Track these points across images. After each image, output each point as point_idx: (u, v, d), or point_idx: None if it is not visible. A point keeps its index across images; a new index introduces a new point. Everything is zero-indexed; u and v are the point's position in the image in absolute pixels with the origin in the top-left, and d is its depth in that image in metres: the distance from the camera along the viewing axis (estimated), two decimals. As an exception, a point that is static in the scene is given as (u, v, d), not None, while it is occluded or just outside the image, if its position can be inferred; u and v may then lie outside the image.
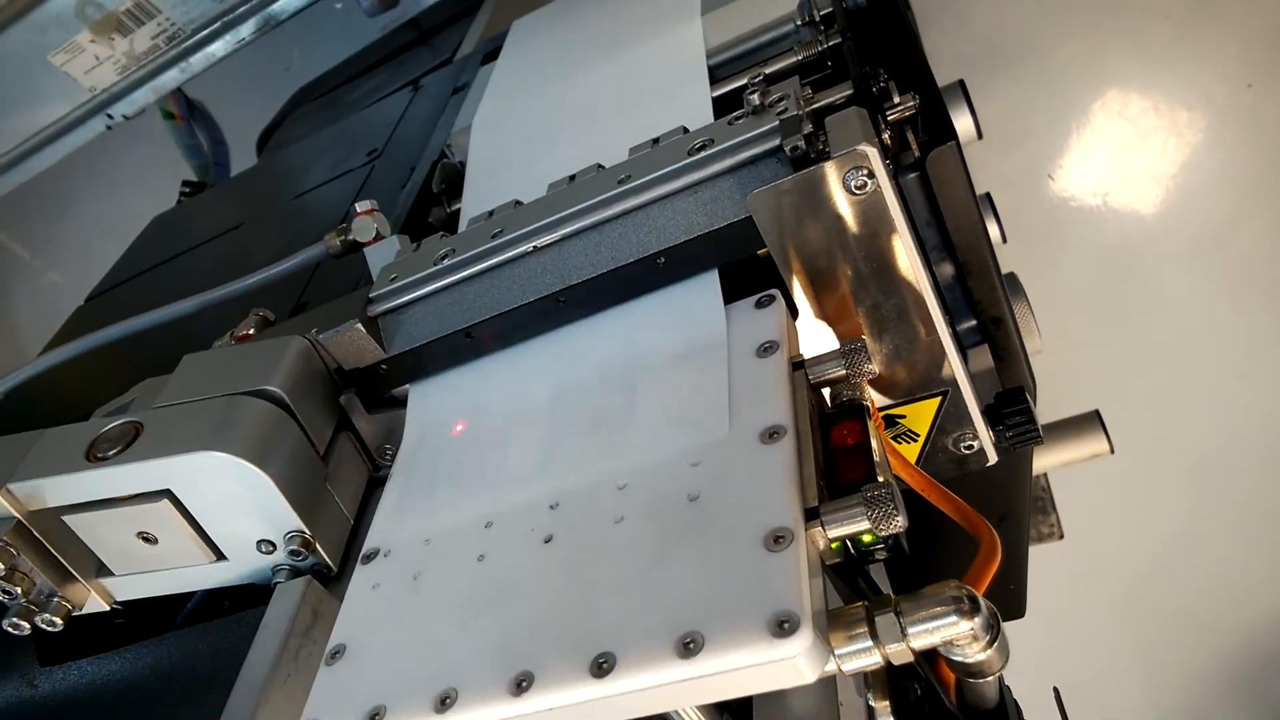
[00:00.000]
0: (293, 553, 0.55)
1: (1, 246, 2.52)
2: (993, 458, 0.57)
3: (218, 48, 1.37)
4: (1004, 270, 0.60)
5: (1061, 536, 1.17)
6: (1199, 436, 1.61)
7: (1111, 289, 1.60)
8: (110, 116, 1.47)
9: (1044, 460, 0.92)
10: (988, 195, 0.89)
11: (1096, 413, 0.92)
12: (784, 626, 0.35)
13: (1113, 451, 0.90)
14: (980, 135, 0.81)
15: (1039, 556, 0.95)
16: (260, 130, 1.59)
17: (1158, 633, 1.74)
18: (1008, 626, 0.70)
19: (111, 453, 0.53)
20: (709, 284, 0.52)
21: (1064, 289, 1.60)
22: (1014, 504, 0.72)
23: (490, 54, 0.98)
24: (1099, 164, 1.57)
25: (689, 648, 0.36)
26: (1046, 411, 0.70)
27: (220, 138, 1.60)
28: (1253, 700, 1.71)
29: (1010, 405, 0.57)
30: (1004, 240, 0.87)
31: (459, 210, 0.77)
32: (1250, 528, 1.63)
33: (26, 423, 0.62)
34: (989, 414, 0.57)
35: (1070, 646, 1.72)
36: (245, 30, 1.37)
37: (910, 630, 0.37)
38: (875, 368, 0.47)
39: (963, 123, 0.78)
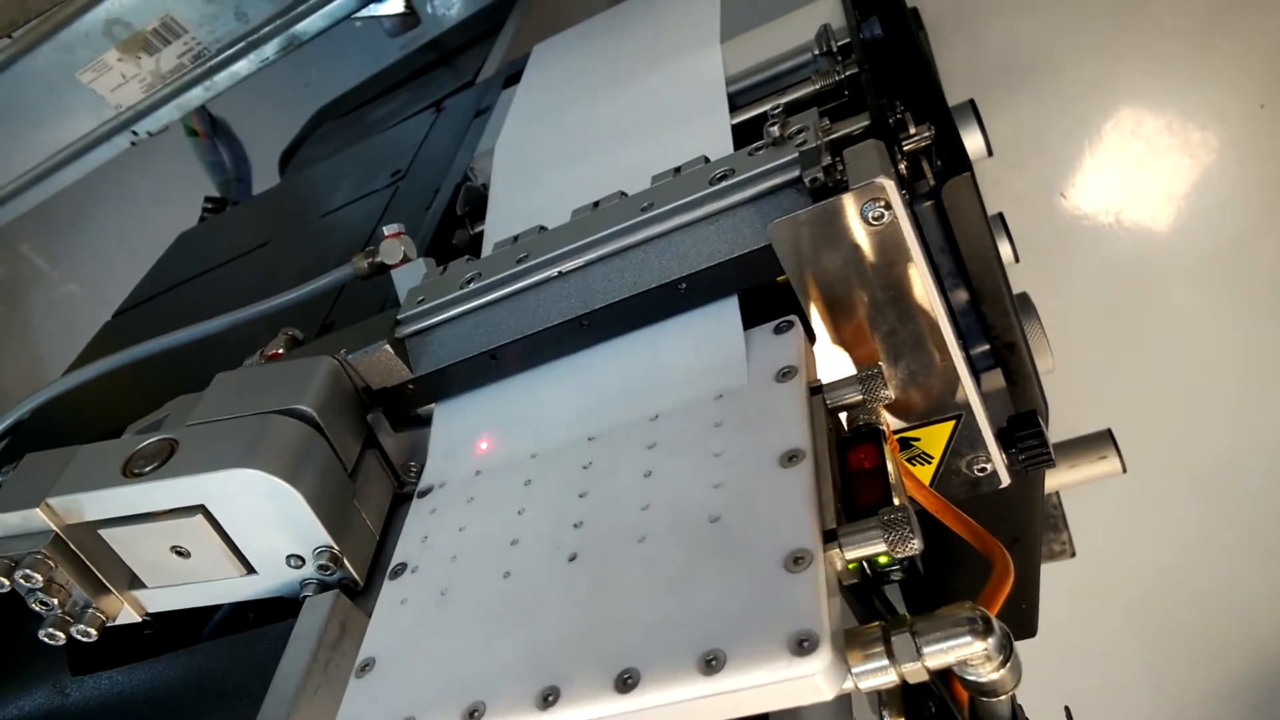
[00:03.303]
0: (321, 567, 0.56)
1: (22, 258, 2.56)
2: (1005, 480, 0.58)
3: (241, 67, 1.40)
4: (1016, 289, 0.61)
5: (1073, 554, 1.17)
6: (1210, 454, 1.61)
7: (1123, 308, 1.60)
8: (135, 133, 1.50)
9: (1056, 479, 0.93)
10: (1000, 215, 0.90)
11: (1109, 431, 0.92)
12: (804, 645, 0.36)
13: (1125, 471, 0.91)
14: (990, 153, 0.82)
15: (1049, 573, 0.95)
16: (279, 146, 1.61)
17: (1167, 650, 1.74)
18: (1019, 644, 0.71)
19: (148, 469, 0.55)
20: (729, 311, 0.53)
21: (1076, 307, 1.60)
22: (1026, 525, 0.73)
23: (512, 77, 1.00)
24: (1111, 182, 1.58)
25: (711, 665, 0.37)
26: (1058, 429, 0.71)
27: (243, 155, 1.62)
28: (1263, 718, 1.70)
29: (1023, 429, 0.58)
30: (1016, 259, 0.88)
31: (482, 232, 0.79)
32: (1261, 545, 1.63)
33: (56, 438, 0.64)
34: (1002, 437, 0.59)
35: (1080, 663, 1.71)
36: (269, 50, 1.40)
37: (925, 650, 0.38)
38: (891, 393, 0.49)
39: (973, 141, 0.80)
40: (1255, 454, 1.60)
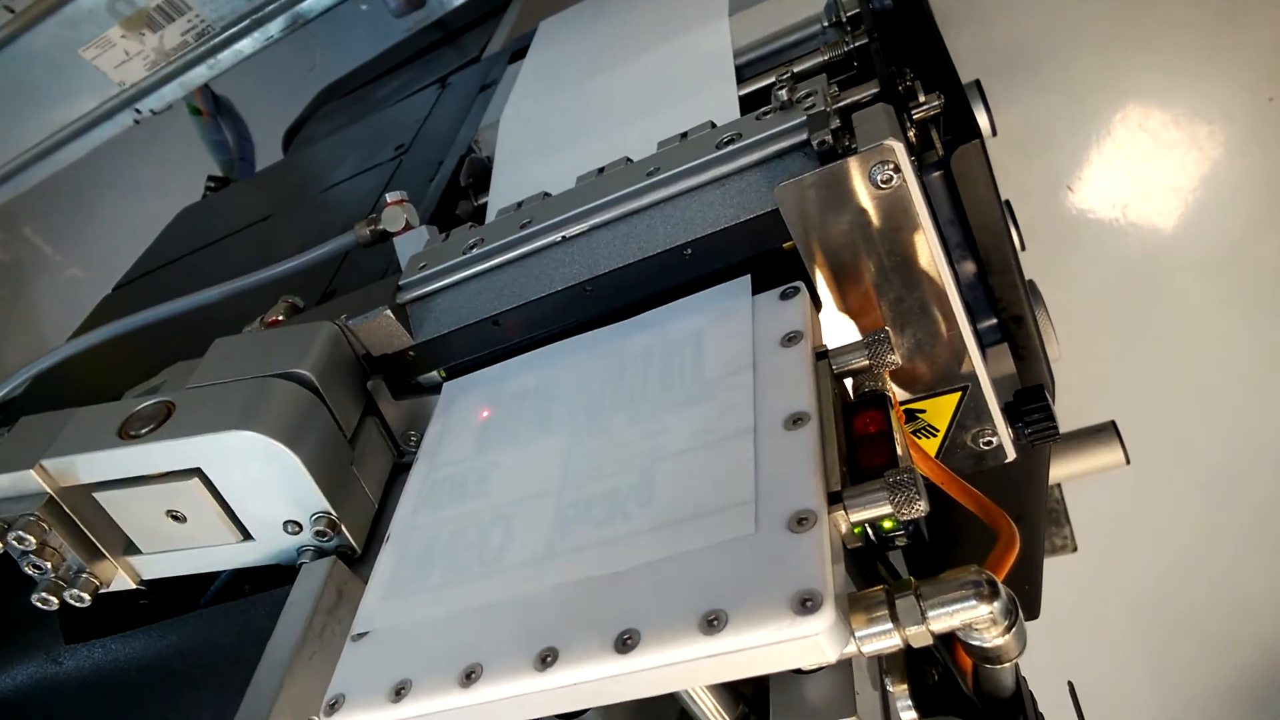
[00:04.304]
0: (318, 533, 0.55)
1: (26, 241, 2.55)
2: (1011, 454, 0.58)
3: (246, 45, 1.40)
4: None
5: (1075, 549, 1.16)
6: (1214, 449, 1.60)
7: (1129, 300, 1.60)
8: (138, 111, 1.49)
9: (1059, 471, 0.92)
10: (1007, 203, 0.89)
11: (1112, 423, 0.92)
12: (807, 604, 0.35)
13: (1128, 462, 0.90)
14: (995, 132, 0.81)
15: (1051, 567, 0.95)
16: (283, 126, 1.61)
17: (1170, 645, 1.73)
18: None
19: (144, 431, 0.54)
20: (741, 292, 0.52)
21: (1082, 300, 1.59)
22: (1030, 504, 0.72)
23: (518, 53, 0.99)
24: (1118, 176, 1.57)
25: (713, 625, 0.37)
26: (1063, 421, 0.70)
27: (246, 134, 1.62)
28: (1265, 715, 1.69)
29: (1029, 402, 0.58)
30: (1023, 248, 0.87)
31: (486, 204, 0.78)
32: (1265, 541, 1.62)
33: (56, 406, 0.63)
34: (1008, 411, 0.58)
35: (1082, 658, 1.71)
36: (274, 28, 1.39)
37: (930, 613, 0.37)
38: (897, 358, 0.48)
39: (978, 120, 0.79)
40: (1260, 451, 1.60)
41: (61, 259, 2.52)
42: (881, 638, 0.38)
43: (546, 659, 0.40)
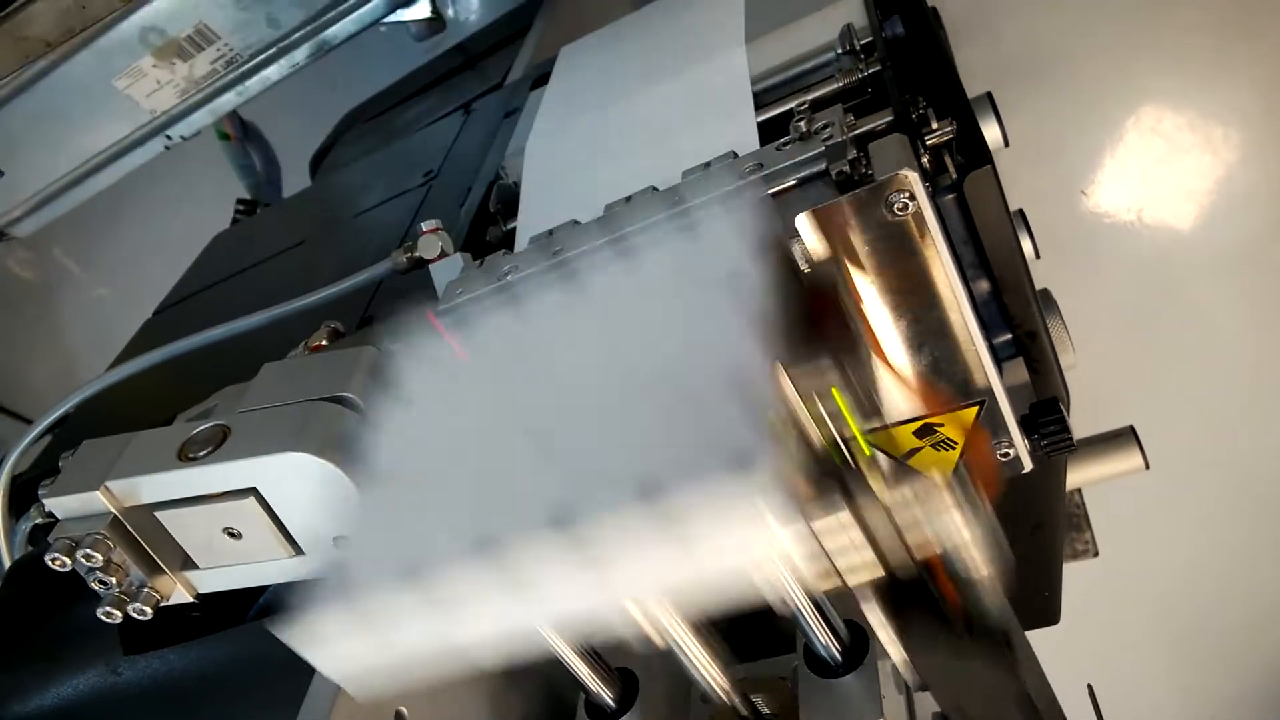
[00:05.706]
0: (366, 548, 0.58)
1: (54, 261, 2.60)
2: (1028, 465, 0.60)
3: (272, 72, 1.44)
4: (1037, 286, 0.63)
5: (1096, 554, 1.17)
6: (1235, 452, 1.60)
7: (1145, 305, 1.60)
8: (169, 137, 1.54)
9: (1078, 476, 0.93)
10: (1020, 211, 0.91)
11: (1131, 428, 0.93)
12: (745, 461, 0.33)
13: (1148, 467, 0.91)
14: (1007, 144, 0.83)
15: (1072, 572, 0.96)
16: (306, 148, 1.65)
17: (1191, 654, 1.73)
18: (1041, 634, 0.72)
19: (202, 453, 0.57)
20: None
21: (1098, 305, 1.60)
22: (1048, 512, 0.74)
23: (539, 79, 1.02)
24: (1132, 180, 1.58)
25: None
26: (1080, 427, 0.72)
27: (273, 158, 1.66)
28: (1290, 720, 1.69)
29: (1045, 415, 0.60)
30: (1037, 256, 0.89)
31: (515, 229, 0.81)
32: (1287, 546, 1.62)
33: (105, 427, 0.66)
34: (1024, 423, 0.60)
35: (1101, 666, 1.71)
36: (299, 55, 1.44)
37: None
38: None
39: (990, 133, 0.81)
40: None
41: (89, 278, 2.57)
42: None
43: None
